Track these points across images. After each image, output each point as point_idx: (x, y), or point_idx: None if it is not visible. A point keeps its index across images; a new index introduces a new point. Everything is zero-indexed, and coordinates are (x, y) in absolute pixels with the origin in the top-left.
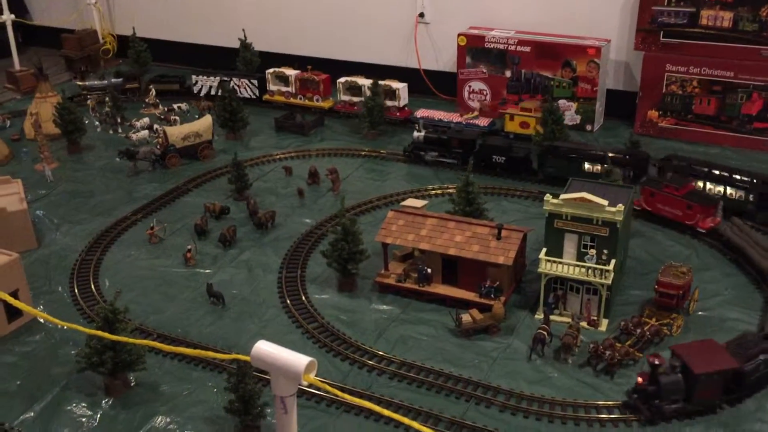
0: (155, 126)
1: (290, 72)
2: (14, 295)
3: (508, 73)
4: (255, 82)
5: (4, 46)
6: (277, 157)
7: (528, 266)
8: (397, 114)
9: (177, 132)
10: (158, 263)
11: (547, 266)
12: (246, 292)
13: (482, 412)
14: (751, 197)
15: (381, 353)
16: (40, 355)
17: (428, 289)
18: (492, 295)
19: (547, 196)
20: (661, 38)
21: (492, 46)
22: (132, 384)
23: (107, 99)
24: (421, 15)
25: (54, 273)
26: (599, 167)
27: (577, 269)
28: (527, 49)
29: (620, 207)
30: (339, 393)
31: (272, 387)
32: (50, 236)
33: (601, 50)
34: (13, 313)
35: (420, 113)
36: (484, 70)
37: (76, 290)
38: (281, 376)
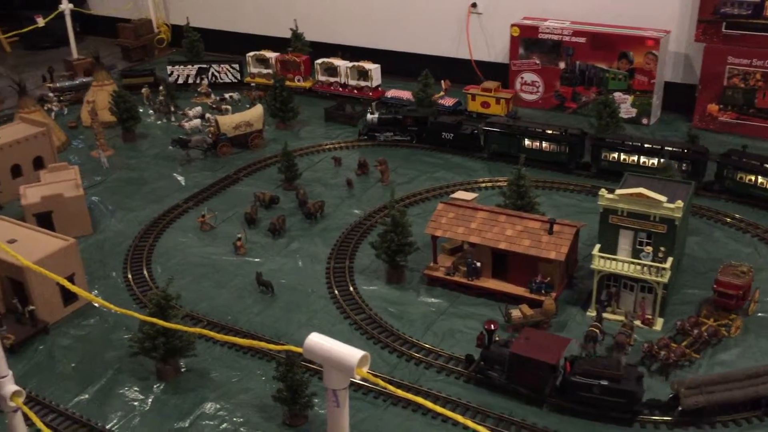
0: (207, 115)
1: (270, 54)
2: (70, 279)
3: (561, 65)
4: (236, 66)
5: (62, 35)
6: (327, 147)
7: (580, 262)
8: (370, 94)
9: (228, 121)
10: (209, 251)
11: (601, 263)
12: (294, 282)
13: (531, 411)
14: None
15: (429, 346)
16: (94, 339)
17: (477, 283)
18: (543, 291)
19: (602, 191)
20: (723, 29)
21: (546, 36)
22: (183, 370)
23: (161, 88)
24: (474, 5)
25: (108, 258)
26: (538, 143)
27: (631, 266)
28: (582, 40)
29: (679, 203)
30: (390, 387)
31: (324, 380)
32: (105, 222)
33: (659, 41)
34: (68, 297)
35: (391, 93)
36: (537, 62)
37: (129, 276)
38: (334, 369)
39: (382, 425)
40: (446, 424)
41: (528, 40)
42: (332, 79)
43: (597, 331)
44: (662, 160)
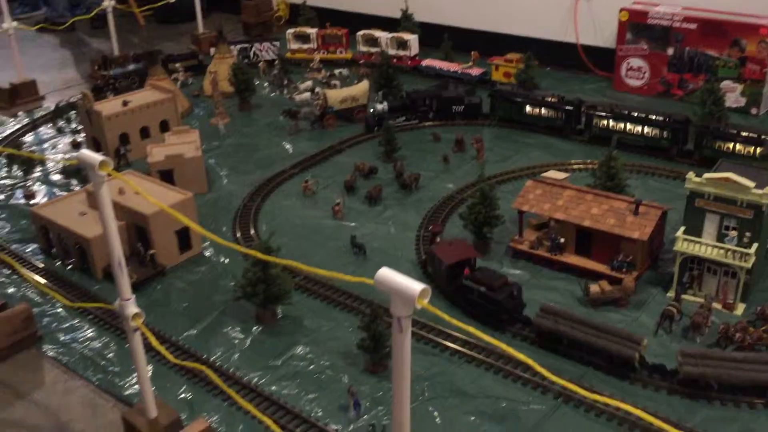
0: (317, 89)
1: (311, 30)
2: (186, 230)
3: (670, 51)
4: (277, 44)
5: (191, 11)
6: (428, 124)
7: (666, 245)
8: (408, 63)
9: (336, 95)
10: (309, 213)
11: (684, 245)
12: (386, 246)
13: (600, 378)
14: None
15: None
16: (204, 284)
17: (560, 258)
18: (624, 269)
19: (690, 174)
20: None
21: (655, 22)
22: (279, 316)
23: (276, 62)
24: None
25: (220, 215)
26: (538, 110)
27: (715, 250)
28: (693, 26)
29: (767, 190)
30: (446, 316)
31: (391, 308)
32: (219, 182)
33: None
34: (183, 245)
35: (426, 62)
36: (645, 47)
37: (237, 231)
38: (399, 298)
39: (455, 379)
40: (516, 383)
41: (636, 25)
42: (373, 50)
43: (674, 310)
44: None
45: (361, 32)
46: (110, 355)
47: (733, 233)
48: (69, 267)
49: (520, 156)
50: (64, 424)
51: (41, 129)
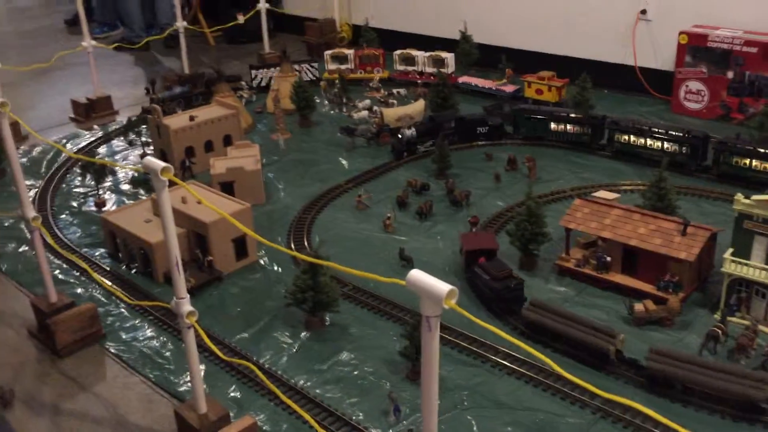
0: (374, 107)
1: (348, 51)
2: (242, 238)
3: (729, 74)
4: (315, 65)
5: (257, 32)
6: (480, 142)
7: (716, 268)
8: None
9: (392, 113)
10: (361, 227)
11: (732, 266)
12: (433, 260)
13: (640, 395)
14: None
15: None
16: (257, 290)
17: (606, 276)
18: (670, 290)
19: (738, 195)
20: None
21: (715, 45)
22: (327, 323)
23: (337, 82)
24: (644, 12)
25: (275, 225)
26: (564, 126)
27: (763, 273)
28: (754, 50)
29: None
30: (472, 317)
31: (421, 308)
32: (276, 195)
33: None
34: (240, 253)
35: (462, 79)
36: (704, 70)
37: (291, 242)
38: (427, 298)
39: (495, 390)
40: (554, 397)
41: (696, 48)
42: (410, 68)
43: (719, 331)
44: None
45: (398, 51)
46: (167, 353)
47: None
48: (133, 271)
49: (572, 176)
50: (121, 416)
51: (114, 141)
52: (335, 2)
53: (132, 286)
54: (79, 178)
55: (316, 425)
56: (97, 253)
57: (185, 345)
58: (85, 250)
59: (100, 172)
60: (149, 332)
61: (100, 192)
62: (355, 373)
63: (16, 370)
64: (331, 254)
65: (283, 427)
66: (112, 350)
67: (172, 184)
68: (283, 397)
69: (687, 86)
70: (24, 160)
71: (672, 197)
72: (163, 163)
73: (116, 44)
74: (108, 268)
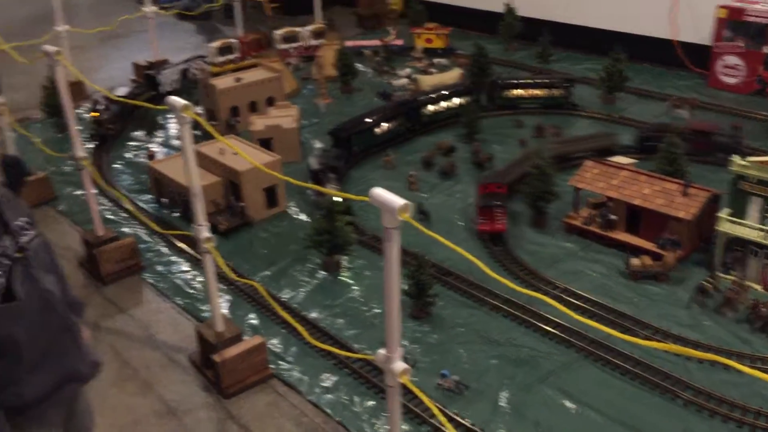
0: (413, 75)
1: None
2: (273, 188)
3: (766, 49)
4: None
5: (309, 3)
6: (511, 112)
7: None
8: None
9: (428, 81)
10: (387, 184)
11: (726, 226)
12: (450, 216)
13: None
14: None
15: (548, 278)
16: (283, 235)
17: (610, 234)
18: (668, 247)
19: (735, 157)
20: None
21: (752, 19)
22: (342, 265)
23: (380, 51)
24: None
25: (307, 180)
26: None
27: (755, 232)
28: None
29: None
30: (440, 239)
31: (382, 220)
32: (311, 153)
33: None
34: (270, 202)
35: (349, 43)
36: (741, 44)
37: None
38: (386, 211)
39: (488, 329)
40: (543, 337)
41: (734, 22)
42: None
43: (710, 285)
44: None
45: (279, 31)
46: (196, 284)
47: None
48: (175, 214)
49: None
50: (152, 334)
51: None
52: None
53: (171, 227)
54: (135, 132)
55: (313, 340)
56: (143, 198)
57: (204, 267)
58: (133, 195)
59: (152, 125)
60: (183, 267)
61: (151, 145)
62: (364, 308)
63: None
64: (357, 207)
65: (292, 350)
66: (149, 280)
67: (210, 136)
68: (279, 309)
69: (724, 60)
70: (87, 116)
71: (682, 162)
72: (183, 101)
73: (175, 11)
74: (151, 211)
